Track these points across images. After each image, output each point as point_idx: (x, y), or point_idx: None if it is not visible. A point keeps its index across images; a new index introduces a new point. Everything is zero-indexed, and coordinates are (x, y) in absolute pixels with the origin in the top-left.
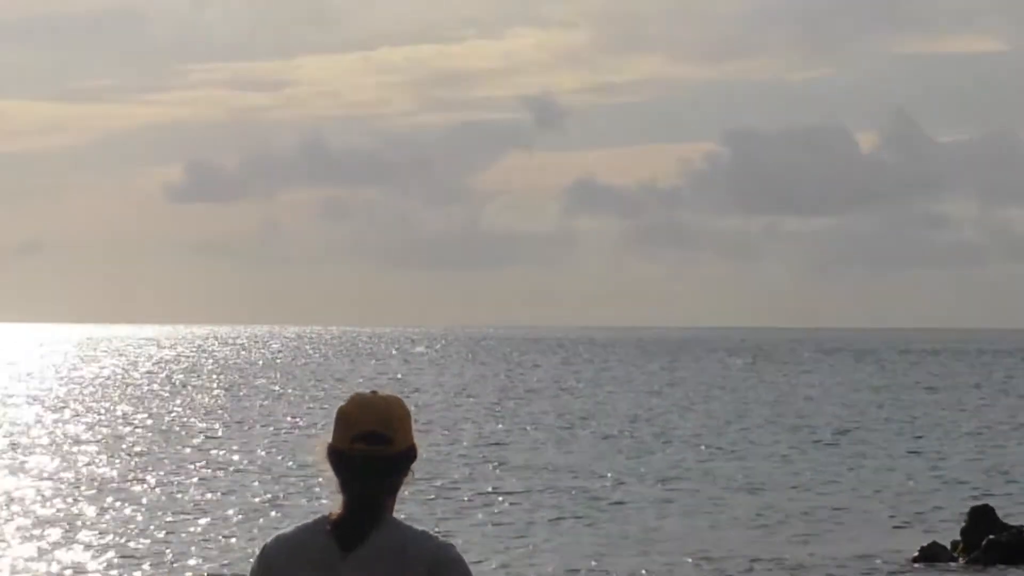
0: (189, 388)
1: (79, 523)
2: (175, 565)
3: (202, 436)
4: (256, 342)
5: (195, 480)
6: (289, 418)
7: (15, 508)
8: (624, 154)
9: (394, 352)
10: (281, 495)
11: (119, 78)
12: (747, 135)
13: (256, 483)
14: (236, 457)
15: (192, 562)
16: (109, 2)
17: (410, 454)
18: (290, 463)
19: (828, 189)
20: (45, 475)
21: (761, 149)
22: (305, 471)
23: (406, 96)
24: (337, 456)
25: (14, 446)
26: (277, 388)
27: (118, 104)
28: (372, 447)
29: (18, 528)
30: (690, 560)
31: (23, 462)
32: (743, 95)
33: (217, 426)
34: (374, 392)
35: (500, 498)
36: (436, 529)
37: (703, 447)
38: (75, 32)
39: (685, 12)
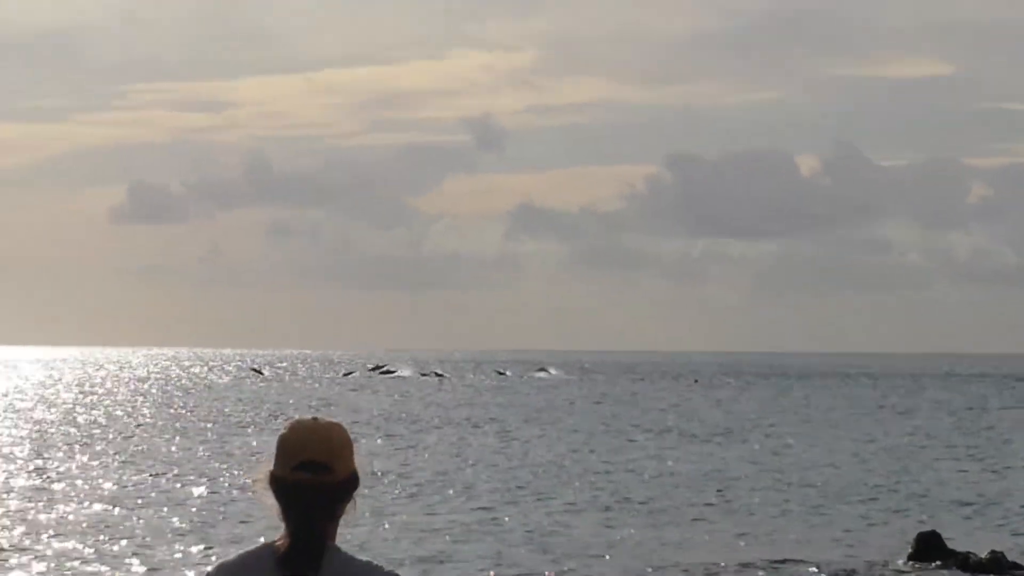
0: (128, 409)
1: None
2: None
3: (137, 458)
4: (201, 363)
5: (130, 506)
6: (225, 444)
7: None
8: (566, 176)
9: (332, 374)
10: (225, 522)
11: (62, 99)
12: (688, 158)
13: (198, 510)
14: (175, 483)
15: None
16: (50, 23)
17: (351, 481)
18: (231, 490)
19: (770, 213)
20: None
21: (702, 172)
22: (247, 498)
23: (350, 117)
24: (278, 484)
25: None
26: (221, 412)
27: (60, 125)
28: (313, 475)
29: None
30: (650, 569)
31: None
32: (685, 118)
33: (161, 447)
34: (315, 419)
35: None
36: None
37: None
38: (17, 53)
39: (627, 36)
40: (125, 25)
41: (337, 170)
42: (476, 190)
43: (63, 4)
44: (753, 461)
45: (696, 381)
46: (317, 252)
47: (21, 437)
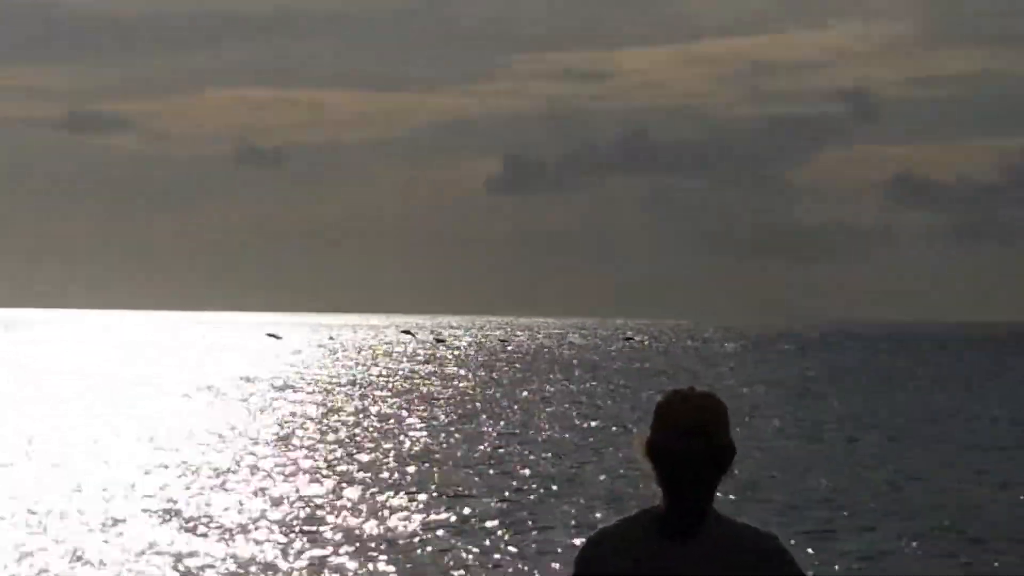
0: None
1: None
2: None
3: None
4: (581, 335)
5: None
6: (602, 412)
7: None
8: (944, 149)
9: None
10: (608, 490)
11: (440, 69)
12: None
13: (582, 480)
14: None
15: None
16: None
17: (727, 450)
18: (609, 459)
19: None
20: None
21: None
22: (630, 466)
23: (727, 87)
24: (656, 451)
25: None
26: (591, 383)
27: (439, 95)
28: (691, 442)
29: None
30: None
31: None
32: None
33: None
34: (692, 388)
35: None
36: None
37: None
38: (394, 24)
39: (1013, 4)
40: None
41: (713, 140)
42: (852, 160)
43: None
44: None
45: None
46: (691, 221)
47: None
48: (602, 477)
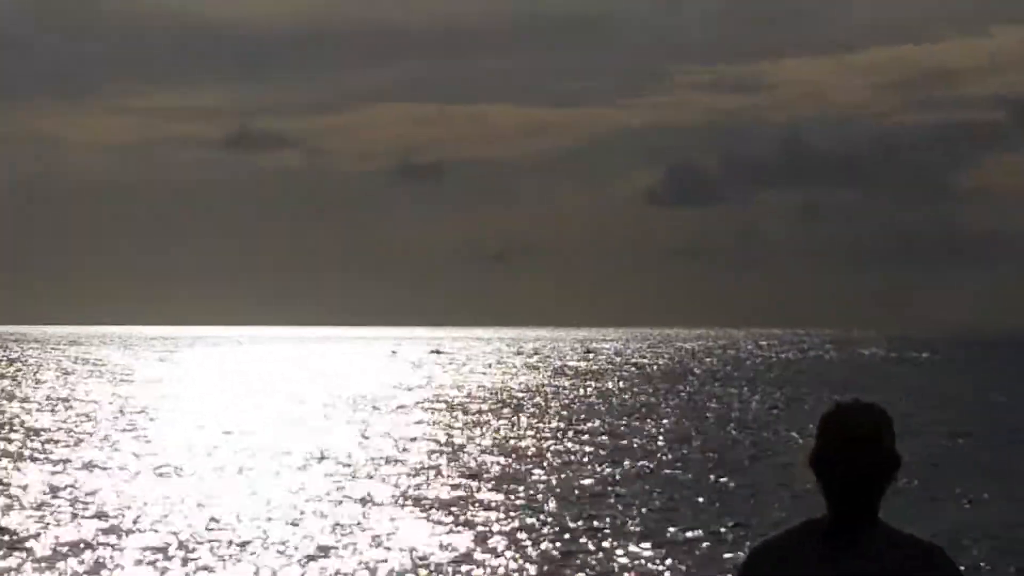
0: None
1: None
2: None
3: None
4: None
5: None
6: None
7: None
8: None
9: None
10: (765, 503)
11: (599, 82)
12: None
13: (741, 495)
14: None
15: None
16: (585, 7)
17: (891, 461)
18: (775, 475)
19: None
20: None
21: None
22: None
23: (886, 97)
24: (820, 462)
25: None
26: (754, 396)
27: (599, 108)
28: (857, 452)
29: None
30: None
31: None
32: None
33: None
34: (856, 399)
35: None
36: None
37: None
38: (553, 37)
39: None
40: (662, 7)
41: (874, 150)
42: (1015, 168)
43: None
44: None
45: None
46: (852, 232)
47: None
48: (765, 488)
